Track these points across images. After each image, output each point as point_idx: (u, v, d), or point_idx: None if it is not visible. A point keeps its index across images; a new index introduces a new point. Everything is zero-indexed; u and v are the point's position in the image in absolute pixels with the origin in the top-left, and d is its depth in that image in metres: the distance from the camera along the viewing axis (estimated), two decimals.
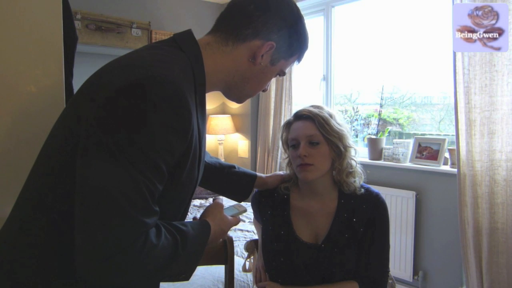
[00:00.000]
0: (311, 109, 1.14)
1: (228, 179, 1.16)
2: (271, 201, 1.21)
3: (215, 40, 0.79)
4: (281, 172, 1.26)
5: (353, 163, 1.14)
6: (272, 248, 1.16)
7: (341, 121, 1.15)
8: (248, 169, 1.23)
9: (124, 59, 0.72)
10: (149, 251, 0.61)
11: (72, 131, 0.66)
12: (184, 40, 0.77)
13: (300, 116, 1.14)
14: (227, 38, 0.79)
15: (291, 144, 1.14)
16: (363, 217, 1.11)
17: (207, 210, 0.88)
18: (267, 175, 1.24)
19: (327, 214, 1.14)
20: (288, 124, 1.18)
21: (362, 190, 1.14)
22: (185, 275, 0.77)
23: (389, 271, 1.15)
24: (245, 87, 0.83)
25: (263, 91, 0.90)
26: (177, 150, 0.65)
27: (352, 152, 1.14)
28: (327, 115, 1.12)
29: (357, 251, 1.11)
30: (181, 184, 0.72)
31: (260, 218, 1.25)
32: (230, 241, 1.25)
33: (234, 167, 1.18)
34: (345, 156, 1.11)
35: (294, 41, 0.83)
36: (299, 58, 0.89)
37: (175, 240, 0.67)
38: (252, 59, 0.79)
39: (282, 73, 0.88)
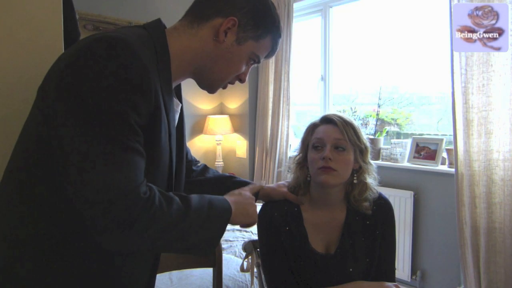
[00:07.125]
0: (343, 115, 1.11)
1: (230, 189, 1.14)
2: (285, 215, 1.12)
3: (181, 24, 0.81)
4: (283, 183, 1.22)
5: (371, 181, 1.12)
6: (295, 265, 1.09)
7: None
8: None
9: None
10: (158, 208, 0.62)
11: (40, 111, 0.67)
12: (149, 24, 0.79)
13: (330, 120, 1.10)
14: (192, 21, 0.80)
15: (314, 145, 1.10)
16: (373, 221, 1.11)
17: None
18: (269, 186, 1.20)
19: (337, 223, 1.12)
20: (314, 126, 1.13)
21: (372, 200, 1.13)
22: (205, 247, 0.72)
23: (396, 269, 1.15)
24: (214, 69, 0.82)
25: (240, 81, 0.88)
26: (142, 108, 0.64)
27: (371, 169, 1.12)
28: (357, 126, 1.10)
29: (369, 255, 1.10)
30: (160, 153, 0.72)
31: (275, 236, 1.11)
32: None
33: (234, 177, 1.17)
34: (364, 171, 1.10)
35: (260, 20, 0.82)
36: (273, 46, 0.86)
37: (187, 201, 0.68)
38: (216, 37, 0.79)
39: (255, 58, 0.85)
